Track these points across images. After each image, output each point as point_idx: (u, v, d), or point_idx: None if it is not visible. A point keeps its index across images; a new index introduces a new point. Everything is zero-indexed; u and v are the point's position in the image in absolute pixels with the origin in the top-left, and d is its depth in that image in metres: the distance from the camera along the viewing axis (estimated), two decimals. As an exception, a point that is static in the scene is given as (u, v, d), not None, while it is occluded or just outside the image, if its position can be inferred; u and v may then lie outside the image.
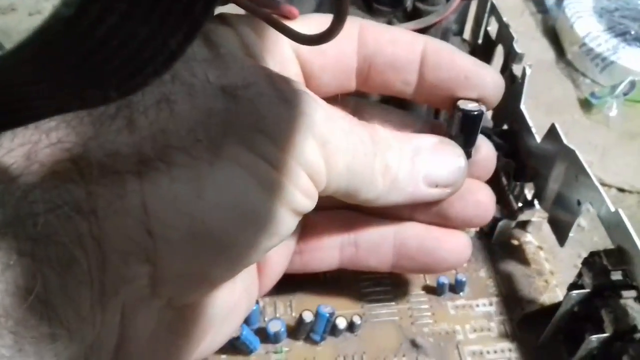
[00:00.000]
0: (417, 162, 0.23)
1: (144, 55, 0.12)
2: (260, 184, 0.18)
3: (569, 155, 0.28)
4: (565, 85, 0.49)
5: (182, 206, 0.17)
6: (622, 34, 0.48)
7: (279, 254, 0.26)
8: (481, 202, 0.27)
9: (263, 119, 0.19)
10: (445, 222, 0.27)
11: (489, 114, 0.37)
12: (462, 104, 0.24)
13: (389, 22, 0.33)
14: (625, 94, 0.46)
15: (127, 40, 0.11)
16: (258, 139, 0.18)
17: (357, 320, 0.29)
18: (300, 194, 0.19)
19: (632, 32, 0.48)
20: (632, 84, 0.46)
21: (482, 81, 0.24)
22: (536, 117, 0.46)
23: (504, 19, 0.36)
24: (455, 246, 0.27)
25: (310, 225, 0.27)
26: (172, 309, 0.19)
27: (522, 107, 0.33)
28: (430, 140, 0.24)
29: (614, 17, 0.50)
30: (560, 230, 0.30)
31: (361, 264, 0.28)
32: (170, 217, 0.17)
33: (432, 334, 0.29)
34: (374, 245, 0.27)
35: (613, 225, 0.26)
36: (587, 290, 0.26)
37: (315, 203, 0.20)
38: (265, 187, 0.18)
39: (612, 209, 0.26)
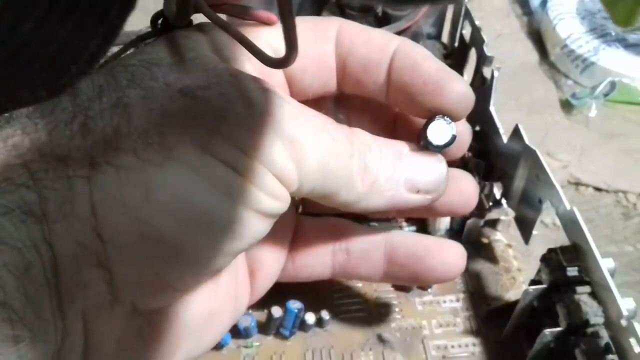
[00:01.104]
0: (399, 167, 0.23)
1: (66, 56, 0.12)
2: (216, 187, 0.18)
3: (531, 155, 0.29)
4: (547, 86, 0.50)
5: (130, 209, 0.17)
6: (603, 36, 0.49)
7: (270, 260, 0.26)
8: (464, 191, 0.27)
9: (222, 119, 0.18)
10: (429, 211, 0.27)
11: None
12: (431, 134, 0.23)
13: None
14: (605, 95, 0.46)
15: (46, 42, 0.12)
16: (215, 140, 0.18)
17: (325, 315, 0.30)
18: (266, 195, 0.19)
19: (613, 34, 0.49)
20: (612, 85, 0.46)
21: (444, 90, 0.23)
22: (517, 118, 0.47)
23: (477, 22, 0.37)
24: (447, 256, 0.26)
25: (301, 232, 0.27)
26: (141, 315, 0.19)
27: (492, 108, 0.33)
28: (412, 146, 0.23)
29: (596, 18, 0.51)
30: (525, 228, 0.31)
31: (353, 273, 0.27)
32: (119, 220, 0.17)
33: (399, 329, 0.30)
34: (365, 253, 0.27)
35: (569, 222, 0.27)
36: (544, 285, 0.27)
37: (286, 204, 0.20)
38: (223, 189, 0.18)
39: (568, 207, 0.27)
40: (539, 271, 0.28)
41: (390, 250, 0.26)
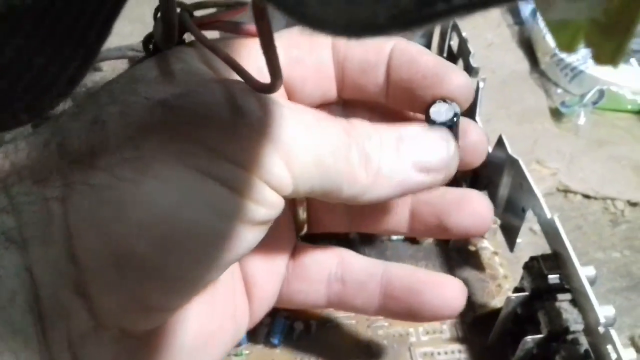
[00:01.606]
0: (403, 150, 0.21)
1: (46, 80, 0.13)
2: (197, 199, 0.17)
3: (514, 165, 0.30)
4: (537, 94, 0.50)
5: (104, 229, 0.17)
6: (592, 44, 0.49)
7: (268, 282, 0.25)
8: (478, 211, 0.26)
9: (202, 127, 0.18)
10: (444, 233, 0.26)
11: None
12: (434, 113, 0.23)
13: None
14: (594, 103, 0.47)
15: (26, 68, 0.13)
16: (195, 150, 0.18)
17: (313, 323, 0.30)
18: (255, 204, 0.18)
19: (601, 42, 0.49)
20: (601, 93, 0.47)
21: (443, 81, 0.23)
22: (508, 126, 0.47)
23: (464, 34, 0.37)
24: (444, 292, 0.25)
25: (298, 257, 0.26)
26: (132, 338, 0.19)
27: (477, 118, 0.34)
28: (415, 128, 0.22)
29: (585, 27, 0.51)
30: (510, 236, 0.31)
31: (348, 303, 0.26)
32: (93, 241, 0.16)
33: (386, 336, 0.31)
34: (360, 283, 0.26)
35: (550, 231, 0.27)
36: (526, 293, 0.27)
37: (278, 209, 0.19)
38: (204, 202, 0.17)
39: (549, 216, 0.27)
40: (522, 279, 0.28)
41: (387, 282, 0.26)
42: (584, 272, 0.26)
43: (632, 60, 0.48)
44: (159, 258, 0.17)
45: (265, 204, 0.19)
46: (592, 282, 0.26)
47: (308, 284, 0.26)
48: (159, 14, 0.19)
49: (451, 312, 0.25)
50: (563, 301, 0.26)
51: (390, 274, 0.26)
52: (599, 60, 0.10)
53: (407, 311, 0.25)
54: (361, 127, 0.21)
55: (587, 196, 0.42)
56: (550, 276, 0.27)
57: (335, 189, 0.20)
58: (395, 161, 0.21)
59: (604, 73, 0.47)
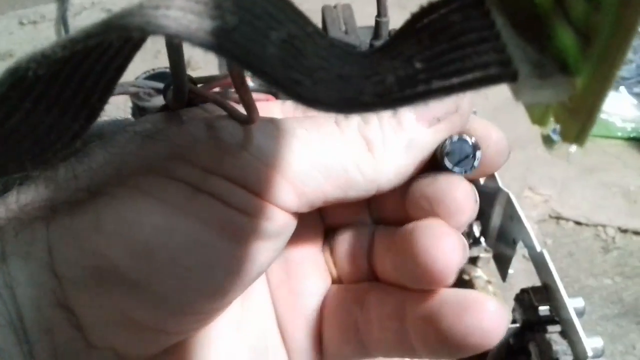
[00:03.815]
0: (403, 112, 0.20)
1: (51, 136, 0.14)
2: (174, 208, 0.17)
3: (505, 198, 0.31)
4: (530, 121, 0.51)
5: (83, 242, 0.17)
6: (582, 72, 0.51)
7: (301, 331, 0.23)
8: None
9: (184, 147, 0.18)
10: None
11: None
12: (449, 158, 0.20)
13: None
14: (584, 130, 0.48)
15: (34, 127, 0.14)
16: (174, 164, 0.18)
17: None
18: (245, 216, 0.18)
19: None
20: (591, 120, 0.48)
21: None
22: (500, 153, 0.48)
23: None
24: (472, 314, 0.19)
25: (330, 299, 0.23)
26: None
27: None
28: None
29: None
30: (502, 266, 0.32)
31: (374, 343, 0.22)
32: (72, 254, 0.17)
33: (382, 366, 0.31)
34: (383, 318, 0.21)
35: (539, 264, 0.28)
36: (517, 324, 0.28)
37: (290, 221, 0.19)
38: (184, 208, 0.17)
39: (538, 249, 0.28)
40: (513, 310, 0.29)
41: (409, 311, 0.21)
42: (573, 304, 0.26)
43: (622, 88, 0.49)
44: (140, 272, 0.17)
45: (262, 216, 0.18)
46: (581, 313, 0.27)
47: (340, 331, 0.22)
48: (170, 87, 0.20)
49: (479, 340, 0.18)
50: (553, 333, 0.27)
51: (413, 301, 0.21)
52: (565, 138, 0.10)
53: (434, 342, 0.20)
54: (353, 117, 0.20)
55: (578, 223, 0.43)
56: (540, 308, 0.27)
57: (347, 181, 0.19)
58: (396, 128, 0.20)
59: (594, 101, 0.48)
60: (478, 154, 0.20)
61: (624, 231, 0.42)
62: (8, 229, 0.17)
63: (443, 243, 0.19)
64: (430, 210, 0.20)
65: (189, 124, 0.19)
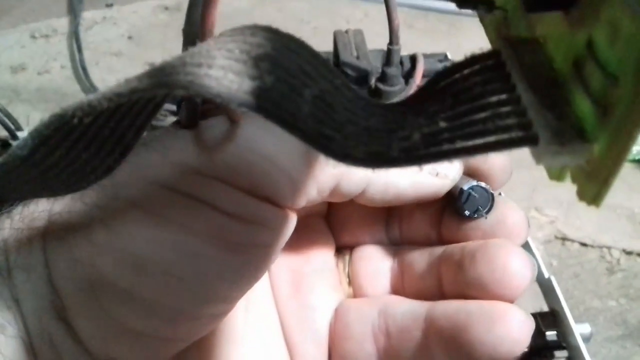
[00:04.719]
0: None
1: (87, 169, 0.15)
2: (163, 217, 0.17)
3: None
4: (535, 141, 0.52)
5: (75, 254, 0.17)
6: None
7: (308, 342, 0.23)
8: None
9: (172, 151, 0.18)
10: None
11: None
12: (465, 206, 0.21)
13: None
14: (590, 152, 0.49)
15: (72, 162, 0.14)
16: (167, 170, 0.18)
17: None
18: (253, 224, 0.18)
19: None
20: (597, 142, 0.48)
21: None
22: (507, 173, 0.49)
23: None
24: (498, 323, 0.19)
25: (342, 311, 0.24)
26: None
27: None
28: None
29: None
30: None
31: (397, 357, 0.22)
32: (66, 266, 0.17)
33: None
34: (405, 331, 0.22)
35: (547, 290, 0.29)
36: (525, 349, 0.29)
37: (287, 219, 0.19)
38: (179, 222, 0.17)
39: (546, 276, 0.29)
40: (520, 334, 0.30)
41: (430, 322, 0.21)
42: (580, 330, 0.27)
43: (626, 111, 0.49)
44: (131, 282, 0.17)
45: (257, 219, 0.18)
46: (587, 339, 0.27)
47: (353, 343, 0.23)
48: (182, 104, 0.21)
49: (508, 349, 0.19)
50: (560, 358, 0.27)
51: (435, 312, 0.21)
52: (582, 198, 0.11)
53: (458, 353, 0.20)
54: None
55: (584, 244, 0.44)
56: (547, 333, 0.28)
57: (345, 181, 0.20)
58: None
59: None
60: (492, 198, 0.21)
61: (629, 253, 0.43)
62: (12, 242, 0.17)
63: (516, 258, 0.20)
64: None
65: (181, 130, 0.19)
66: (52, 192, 0.17)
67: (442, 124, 0.12)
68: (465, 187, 0.21)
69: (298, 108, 0.12)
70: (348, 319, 0.23)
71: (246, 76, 0.12)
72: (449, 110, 0.12)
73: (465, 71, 0.12)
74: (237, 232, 0.18)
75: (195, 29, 0.16)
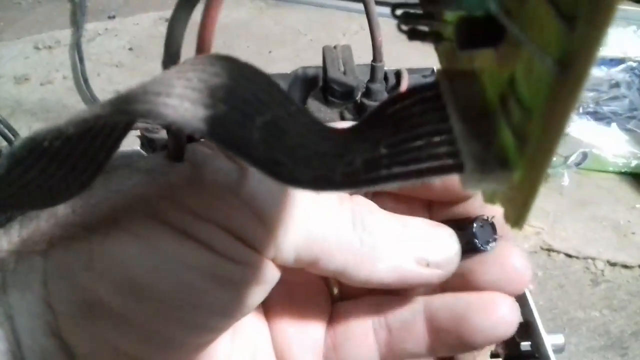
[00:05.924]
0: (404, 235, 0.21)
1: (62, 185, 0.16)
2: (162, 252, 0.18)
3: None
4: (525, 153, 0.53)
5: (74, 276, 0.18)
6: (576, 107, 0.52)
7: (305, 353, 0.24)
8: (514, 266, 0.23)
9: (174, 187, 0.19)
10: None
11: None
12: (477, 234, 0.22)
13: (341, 113, 0.38)
14: (577, 164, 0.49)
15: (47, 180, 0.15)
16: (164, 205, 0.18)
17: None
18: (232, 263, 0.18)
19: (584, 105, 0.52)
20: (584, 155, 0.49)
21: None
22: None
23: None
24: (493, 311, 0.22)
25: (338, 315, 0.25)
26: None
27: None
28: (422, 220, 0.22)
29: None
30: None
31: (398, 350, 0.24)
32: (65, 288, 0.17)
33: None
34: (405, 324, 0.24)
35: (521, 301, 0.29)
36: (500, 359, 0.29)
37: (263, 271, 0.19)
38: (173, 255, 0.18)
39: (520, 287, 0.29)
40: (496, 345, 0.30)
41: (431, 315, 0.23)
42: (553, 341, 0.28)
43: (613, 124, 0.50)
44: (127, 308, 0.18)
45: (250, 265, 0.19)
46: (561, 350, 0.28)
47: (355, 340, 0.24)
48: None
49: (503, 332, 0.22)
50: (533, 368, 0.28)
51: (433, 305, 0.23)
52: (507, 220, 0.12)
53: (459, 341, 0.22)
54: (364, 202, 0.21)
55: (569, 255, 0.45)
56: (522, 344, 0.29)
57: (325, 255, 0.20)
58: (394, 243, 0.21)
59: (587, 136, 0.50)
60: (494, 227, 0.22)
61: (613, 264, 0.43)
62: (9, 261, 0.18)
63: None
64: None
65: (183, 163, 0.19)
66: (31, 206, 0.18)
67: (383, 150, 0.13)
68: (476, 225, 0.22)
69: (249, 134, 0.13)
70: (347, 319, 0.24)
71: (200, 104, 0.13)
72: (390, 138, 0.13)
73: (407, 101, 0.13)
74: (231, 272, 0.18)
75: (175, 61, 0.17)
